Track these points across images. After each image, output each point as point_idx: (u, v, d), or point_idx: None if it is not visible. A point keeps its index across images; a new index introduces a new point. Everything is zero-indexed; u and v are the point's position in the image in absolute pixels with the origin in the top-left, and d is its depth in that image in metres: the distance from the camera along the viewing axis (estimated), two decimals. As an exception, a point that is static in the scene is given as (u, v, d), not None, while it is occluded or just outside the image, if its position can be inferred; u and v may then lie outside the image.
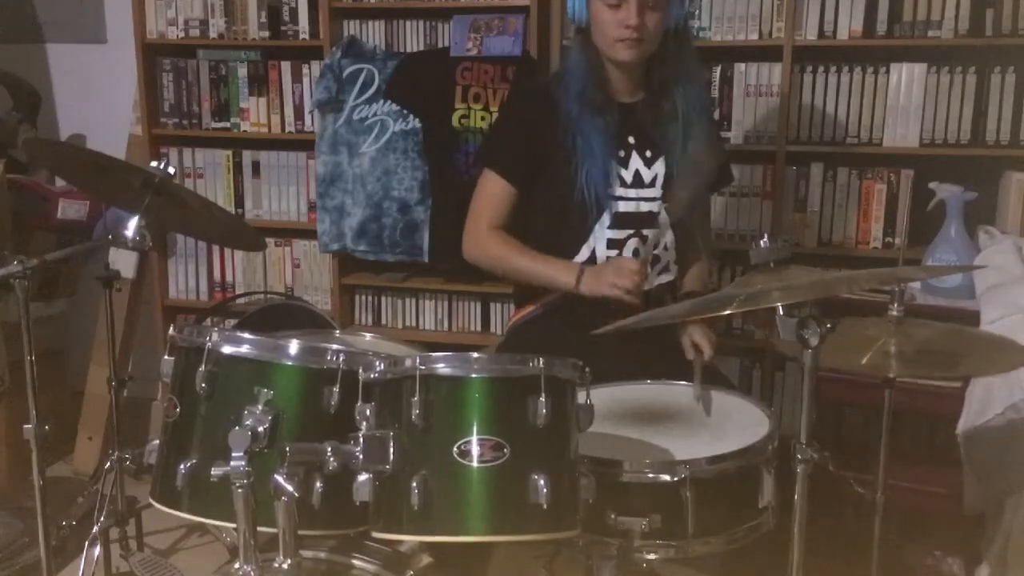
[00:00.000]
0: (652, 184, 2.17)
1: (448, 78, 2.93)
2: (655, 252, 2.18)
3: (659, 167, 2.17)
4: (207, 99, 3.26)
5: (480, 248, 2.21)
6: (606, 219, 2.14)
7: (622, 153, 2.15)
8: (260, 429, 1.34)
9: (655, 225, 2.17)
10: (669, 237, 2.20)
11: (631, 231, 2.15)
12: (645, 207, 2.16)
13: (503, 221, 2.18)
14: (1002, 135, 2.74)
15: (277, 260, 3.31)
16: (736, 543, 1.59)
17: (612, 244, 2.15)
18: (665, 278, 2.21)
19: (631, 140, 2.16)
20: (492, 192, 2.19)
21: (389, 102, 3.00)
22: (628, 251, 2.15)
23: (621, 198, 2.14)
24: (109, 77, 3.45)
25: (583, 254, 2.16)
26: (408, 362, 1.37)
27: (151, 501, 1.51)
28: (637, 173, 2.16)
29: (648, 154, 2.17)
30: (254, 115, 3.23)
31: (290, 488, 1.30)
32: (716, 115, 2.85)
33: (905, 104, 2.79)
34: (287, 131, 3.22)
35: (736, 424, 1.73)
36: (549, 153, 2.12)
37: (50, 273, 3.24)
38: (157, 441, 1.52)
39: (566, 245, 2.16)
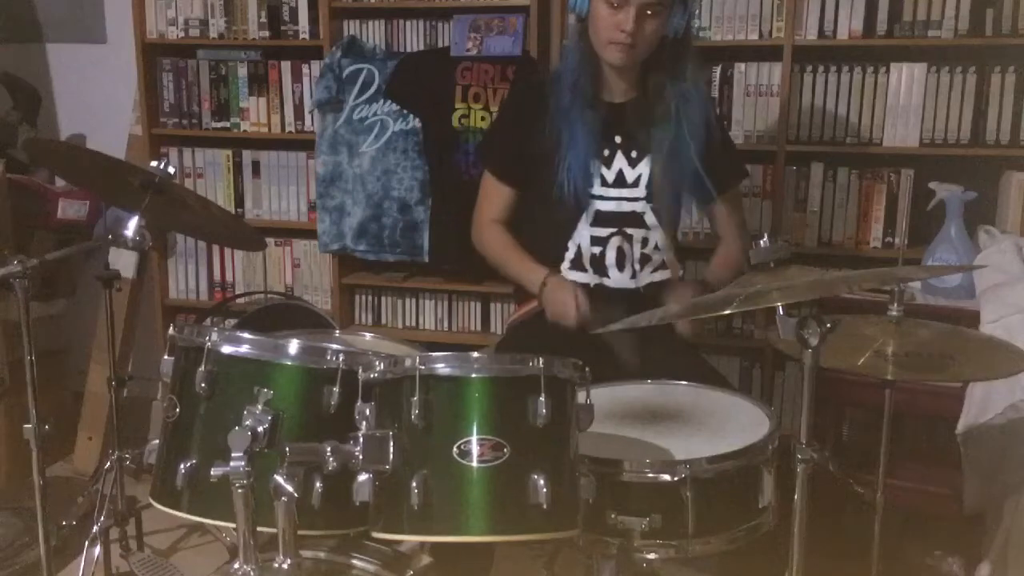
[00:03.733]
0: (635, 184, 2.17)
1: (448, 78, 2.93)
2: (644, 252, 2.18)
3: (643, 168, 2.17)
4: (207, 99, 3.26)
5: (479, 240, 2.31)
6: (590, 215, 2.15)
7: (606, 152, 2.16)
8: (260, 429, 1.34)
9: (638, 224, 2.17)
10: (659, 237, 2.20)
11: (613, 229, 2.17)
12: (627, 206, 2.17)
13: (503, 216, 2.27)
14: (1002, 135, 2.74)
15: (277, 260, 3.31)
16: (736, 543, 1.59)
17: (596, 241, 2.17)
18: (659, 276, 2.21)
19: (617, 140, 2.17)
20: (491, 192, 2.27)
21: (389, 102, 3.00)
22: (611, 248, 2.17)
23: (601, 197, 2.15)
24: (109, 77, 3.45)
25: (571, 250, 2.19)
26: (408, 362, 1.37)
27: (151, 501, 1.51)
28: (620, 173, 2.16)
29: (633, 154, 2.17)
30: (254, 115, 3.23)
31: (290, 488, 1.30)
32: (716, 114, 2.84)
33: (905, 104, 2.78)
34: (287, 131, 3.22)
35: (736, 424, 1.73)
36: (539, 148, 2.14)
37: (50, 273, 3.24)
38: (157, 441, 1.52)
39: (554, 240, 2.19)
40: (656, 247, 2.20)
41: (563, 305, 2.06)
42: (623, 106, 2.18)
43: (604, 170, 2.16)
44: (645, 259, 2.19)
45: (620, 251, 2.16)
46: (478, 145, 2.83)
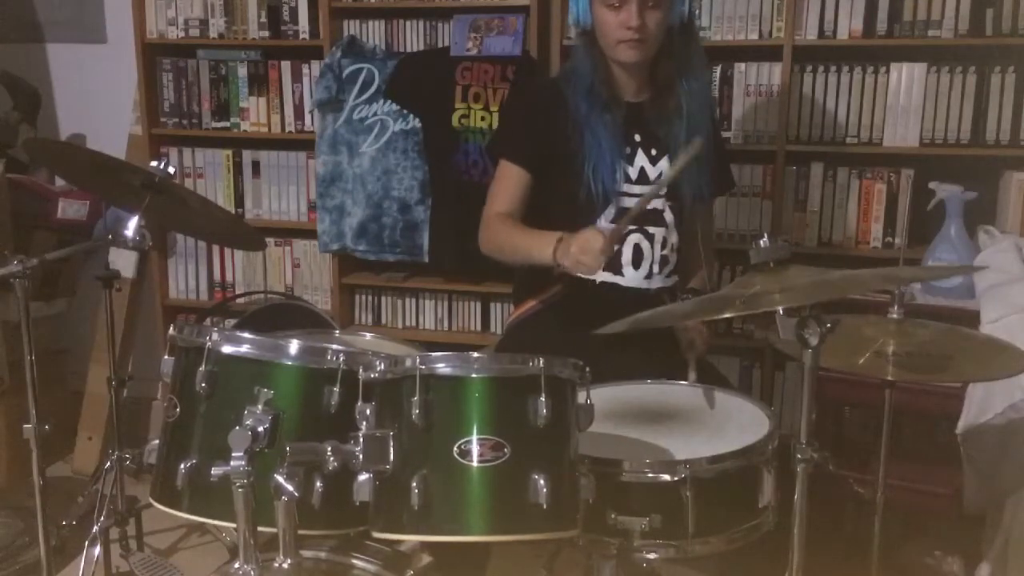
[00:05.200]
0: (656, 181, 2.18)
1: (448, 78, 2.93)
2: (663, 253, 2.18)
3: (663, 165, 2.18)
4: (207, 99, 3.26)
5: (485, 234, 2.18)
6: (610, 213, 2.15)
7: (628, 150, 2.17)
8: (260, 429, 1.34)
9: (659, 222, 2.18)
10: (675, 238, 2.21)
11: (634, 226, 2.16)
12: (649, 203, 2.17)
13: (515, 207, 2.16)
14: (1002, 135, 2.74)
15: (277, 260, 3.31)
16: (736, 543, 1.59)
17: None
18: (670, 281, 2.22)
19: (637, 138, 2.18)
20: (504, 181, 2.18)
21: (389, 102, 3.00)
22: (629, 245, 2.16)
23: (626, 194, 2.16)
24: (109, 77, 3.45)
25: None
26: (408, 362, 1.37)
27: (151, 501, 1.51)
28: (642, 170, 2.17)
29: (653, 152, 2.18)
30: (254, 115, 3.23)
31: (290, 488, 1.30)
32: (716, 114, 2.85)
33: (905, 104, 2.78)
34: (287, 131, 3.22)
35: (736, 424, 1.73)
36: (557, 147, 2.14)
37: (50, 273, 3.24)
38: (157, 441, 1.52)
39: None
40: (673, 248, 2.21)
41: (587, 243, 1.90)
42: (640, 105, 2.19)
43: (628, 168, 2.16)
44: (664, 261, 2.19)
45: (638, 249, 2.16)
46: (488, 144, 2.81)
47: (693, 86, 2.16)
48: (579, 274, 1.97)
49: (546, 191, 2.18)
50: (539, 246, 2.03)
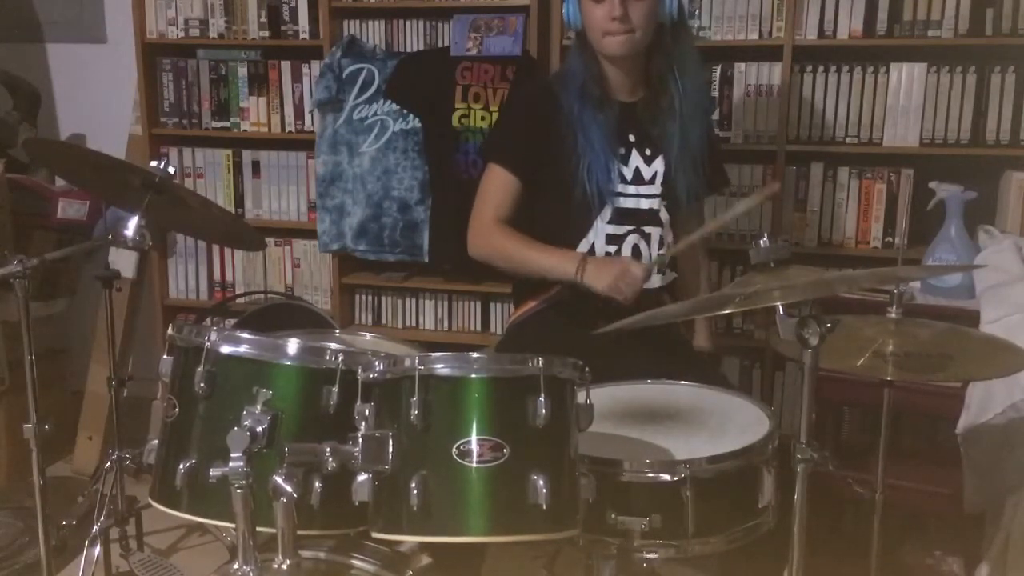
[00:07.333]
0: (652, 181, 2.18)
1: (448, 78, 2.93)
2: (660, 252, 2.18)
3: (658, 165, 2.18)
4: (207, 99, 3.26)
5: (486, 242, 2.20)
6: (607, 214, 2.15)
7: (622, 150, 2.17)
8: (259, 429, 1.34)
9: (655, 222, 2.18)
10: (671, 237, 2.22)
11: (630, 227, 2.17)
12: (645, 204, 2.18)
13: (507, 214, 2.18)
14: (1002, 135, 2.74)
15: (277, 260, 3.31)
16: (736, 543, 1.59)
17: (611, 239, 2.17)
18: (668, 278, 2.23)
19: (631, 138, 2.18)
20: (496, 185, 2.19)
21: (389, 102, 3.00)
22: (627, 246, 2.17)
23: (622, 194, 2.16)
24: (109, 77, 3.45)
25: (582, 248, 2.18)
26: (407, 362, 1.36)
27: (151, 501, 1.51)
28: (637, 170, 2.18)
29: (648, 152, 2.18)
30: (254, 115, 3.23)
31: (289, 488, 1.29)
32: (716, 115, 2.85)
33: (905, 104, 2.78)
34: (287, 131, 3.22)
35: (736, 424, 1.73)
36: (552, 148, 2.14)
37: (50, 273, 3.23)
38: (156, 441, 1.52)
39: (566, 239, 2.18)
40: (670, 247, 2.21)
41: (630, 274, 2.03)
42: (634, 105, 2.19)
43: (623, 168, 2.17)
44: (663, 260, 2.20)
45: (636, 249, 2.17)
46: (482, 143, 2.82)
47: (687, 84, 2.16)
48: (613, 296, 2.03)
49: (541, 192, 2.18)
50: (559, 264, 2.10)
